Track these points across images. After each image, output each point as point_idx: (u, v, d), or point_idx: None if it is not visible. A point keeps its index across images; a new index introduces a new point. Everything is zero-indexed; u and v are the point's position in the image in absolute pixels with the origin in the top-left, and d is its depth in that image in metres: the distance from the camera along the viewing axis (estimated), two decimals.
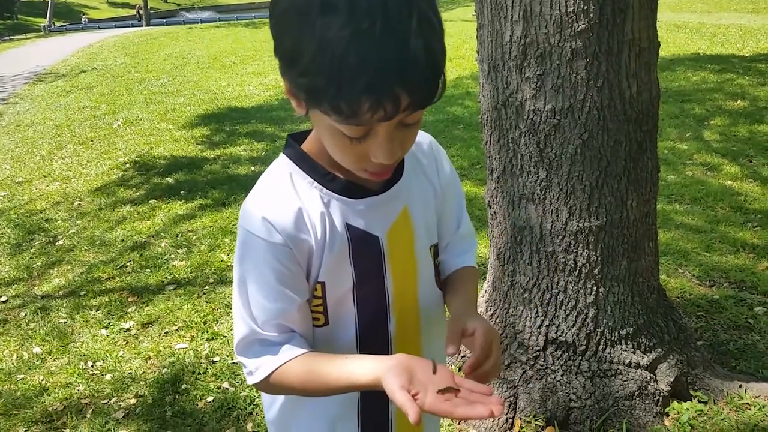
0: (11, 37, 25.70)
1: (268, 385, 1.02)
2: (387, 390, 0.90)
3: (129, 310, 3.58)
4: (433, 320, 1.17)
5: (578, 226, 2.26)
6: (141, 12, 38.52)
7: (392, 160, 0.92)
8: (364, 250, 1.04)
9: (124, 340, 3.30)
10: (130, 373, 3.02)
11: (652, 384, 2.37)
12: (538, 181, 2.26)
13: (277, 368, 1.00)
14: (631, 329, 2.38)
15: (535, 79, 2.15)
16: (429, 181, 1.15)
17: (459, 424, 2.46)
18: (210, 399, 2.77)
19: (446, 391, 0.89)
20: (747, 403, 2.42)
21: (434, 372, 0.92)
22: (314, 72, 0.80)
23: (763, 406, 2.40)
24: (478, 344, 1.00)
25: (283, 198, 1.00)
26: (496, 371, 1.02)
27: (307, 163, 1.03)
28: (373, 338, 1.08)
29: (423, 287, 1.14)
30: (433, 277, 1.17)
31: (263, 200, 1.01)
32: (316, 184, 1.02)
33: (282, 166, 1.05)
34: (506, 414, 2.42)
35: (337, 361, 0.99)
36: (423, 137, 1.16)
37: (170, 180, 5.74)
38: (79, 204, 5.38)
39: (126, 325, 3.42)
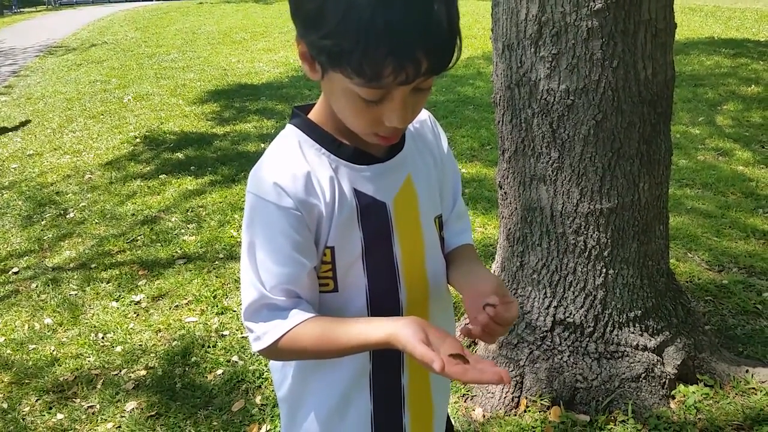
0: (22, 10, 25.63)
1: (275, 350, 1.02)
2: (404, 344, 0.92)
3: (139, 283, 3.61)
4: (439, 291, 1.18)
5: (589, 207, 2.26)
6: None
7: (405, 124, 0.95)
8: (372, 216, 1.05)
9: (135, 313, 3.34)
10: (140, 345, 3.06)
11: (658, 367, 2.38)
12: (550, 161, 2.25)
13: (287, 332, 1.00)
14: (640, 312, 2.38)
15: (550, 59, 2.13)
16: (430, 151, 1.17)
17: (465, 402, 2.49)
18: (219, 372, 2.81)
19: (456, 357, 0.91)
20: (753, 388, 2.43)
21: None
22: (340, 34, 0.83)
23: None
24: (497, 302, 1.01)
25: (293, 164, 1.01)
26: (516, 312, 1.02)
27: (314, 131, 1.04)
28: (384, 306, 1.09)
29: (430, 257, 1.14)
30: (439, 248, 1.18)
31: (273, 166, 1.02)
32: (324, 150, 1.03)
33: (290, 134, 1.06)
34: (512, 393, 2.44)
35: (348, 322, 1.01)
36: (422, 112, 1.17)
37: (180, 155, 5.75)
38: (90, 177, 5.40)
39: (136, 298, 3.46)
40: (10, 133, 6.98)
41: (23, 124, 7.29)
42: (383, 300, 1.09)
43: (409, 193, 1.10)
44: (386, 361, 1.12)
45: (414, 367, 1.14)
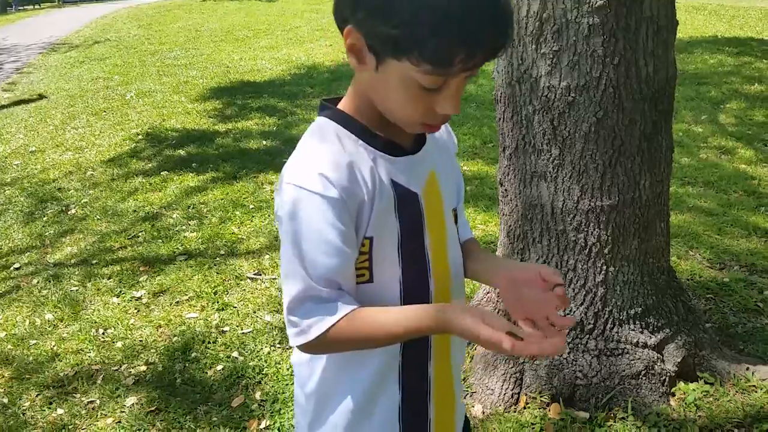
0: (25, 7, 25.67)
1: (321, 342, 1.01)
2: (467, 328, 0.95)
3: (140, 279, 3.62)
4: (459, 282, 1.19)
5: (590, 204, 2.25)
6: None
7: (457, 111, 0.98)
8: (407, 206, 1.07)
9: (135, 309, 3.34)
10: (140, 340, 3.06)
11: (659, 364, 2.38)
12: (551, 159, 2.25)
13: (334, 324, 1.00)
14: (640, 309, 2.38)
15: (551, 55, 2.13)
16: (445, 146, 1.20)
17: (464, 399, 2.48)
18: (219, 368, 2.81)
19: (509, 335, 0.94)
20: (753, 386, 2.43)
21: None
22: (414, 23, 0.86)
23: None
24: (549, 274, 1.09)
25: (335, 154, 1.01)
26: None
27: (350, 123, 1.05)
28: (415, 297, 1.09)
29: (451, 248, 1.16)
30: (458, 240, 1.20)
31: (315, 157, 1.00)
32: (360, 141, 1.04)
33: (325, 125, 1.06)
34: (512, 389, 2.44)
35: (393, 311, 1.03)
36: None
37: (182, 152, 5.76)
38: (92, 174, 5.41)
39: (137, 294, 3.46)
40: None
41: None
42: (415, 290, 1.09)
43: (433, 186, 1.12)
44: (416, 353, 1.13)
45: (439, 357, 1.15)
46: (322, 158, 0.99)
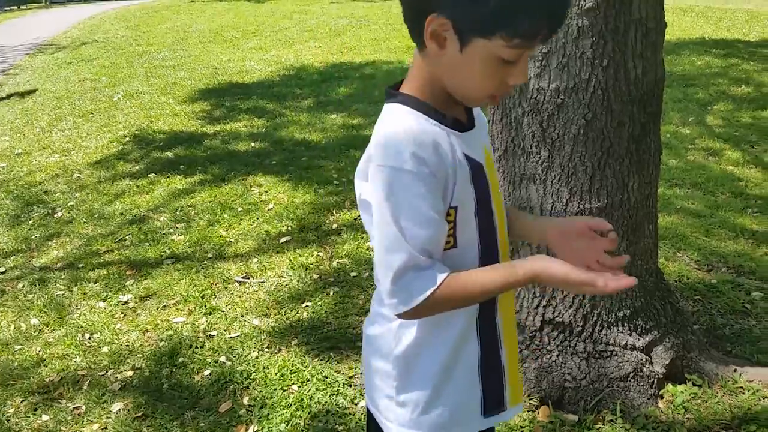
0: (12, 8, 25.46)
1: (424, 307, 1.12)
2: (560, 275, 1.10)
3: (127, 283, 3.59)
4: (507, 247, 1.30)
5: (579, 207, 2.25)
6: None
7: (526, 79, 1.17)
8: (479, 176, 1.18)
9: (122, 313, 3.31)
10: (127, 345, 3.03)
11: (647, 366, 2.38)
12: (540, 161, 2.24)
13: (436, 289, 1.10)
14: (628, 311, 2.38)
15: (540, 57, 2.12)
16: (484, 123, 1.31)
17: None
18: (207, 372, 2.78)
19: None
20: (741, 387, 2.43)
21: None
22: (511, 4, 0.99)
23: (757, 391, 2.41)
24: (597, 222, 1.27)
25: (419, 133, 1.10)
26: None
27: (421, 105, 1.14)
28: (489, 258, 1.22)
29: (504, 213, 1.29)
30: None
31: (404, 138, 1.09)
32: (433, 121, 1.14)
33: (400, 110, 1.14)
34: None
35: (484, 270, 1.16)
36: None
37: (170, 154, 5.72)
38: (79, 177, 5.36)
39: (124, 298, 3.43)
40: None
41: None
42: (488, 252, 1.22)
43: (489, 158, 1.24)
44: (488, 306, 1.24)
45: (504, 306, 1.28)
46: (409, 138, 1.08)
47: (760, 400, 2.38)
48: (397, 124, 1.12)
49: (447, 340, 1.23)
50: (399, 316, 1.15)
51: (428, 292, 1.10)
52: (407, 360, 1.24)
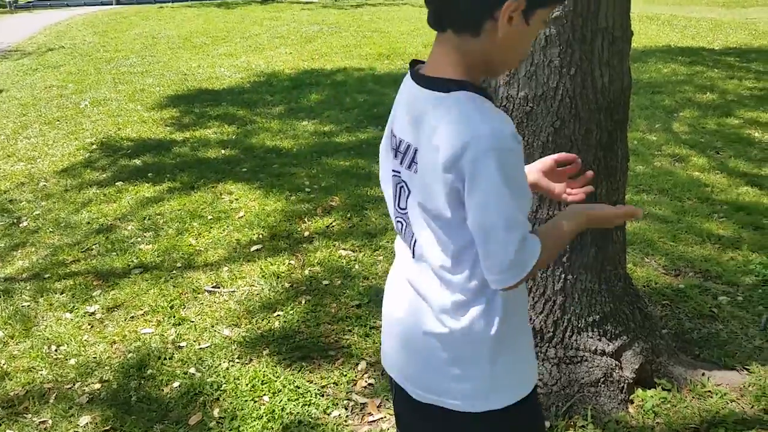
0: None
1: (530, 273, 1.21)
2: (604, 216, 1.41)
3: (94, 293, 3.52)
4: None
5: (548, 213, 2.26)
6: None
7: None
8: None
9: (89, 324, 3.25)
10: (94, 357, 2.97)
11: (617, 371, 2.40)
12: None
13: (541, 251, 1.21)
14: (598, 317, 2.40)
15: None
16: None
17: None
18: (176, 384, 2.74)
19: None
20: (709, 391, 2.47)
21: None
22: None
23: (725, 394, 2.45)
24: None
25: (499, 113, 1.19)
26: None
27: (478, 89, 1.21)
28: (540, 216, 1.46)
29: None
30: None
31: (497, 121, 1.15)
32: (489, 101, 1.22)
33: (468, 98, 1.18)
34: None
35: (553, 225, 1.33)
36: None
37: (138, 162, 5.64)
38: (44, 185, 5.26)
39: (91, 309, 3.37)
40: None
41: None
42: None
43: None
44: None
45: None
46: (502, 120, 1.16)
47: (727, 403, 2.42)
48: (483, 110, 1.18)
49: (522, 313, 1.38)
50: (514, 286, 1.21)
51: (537, 256, 1.20)
52: (500, 337, 1.30)
